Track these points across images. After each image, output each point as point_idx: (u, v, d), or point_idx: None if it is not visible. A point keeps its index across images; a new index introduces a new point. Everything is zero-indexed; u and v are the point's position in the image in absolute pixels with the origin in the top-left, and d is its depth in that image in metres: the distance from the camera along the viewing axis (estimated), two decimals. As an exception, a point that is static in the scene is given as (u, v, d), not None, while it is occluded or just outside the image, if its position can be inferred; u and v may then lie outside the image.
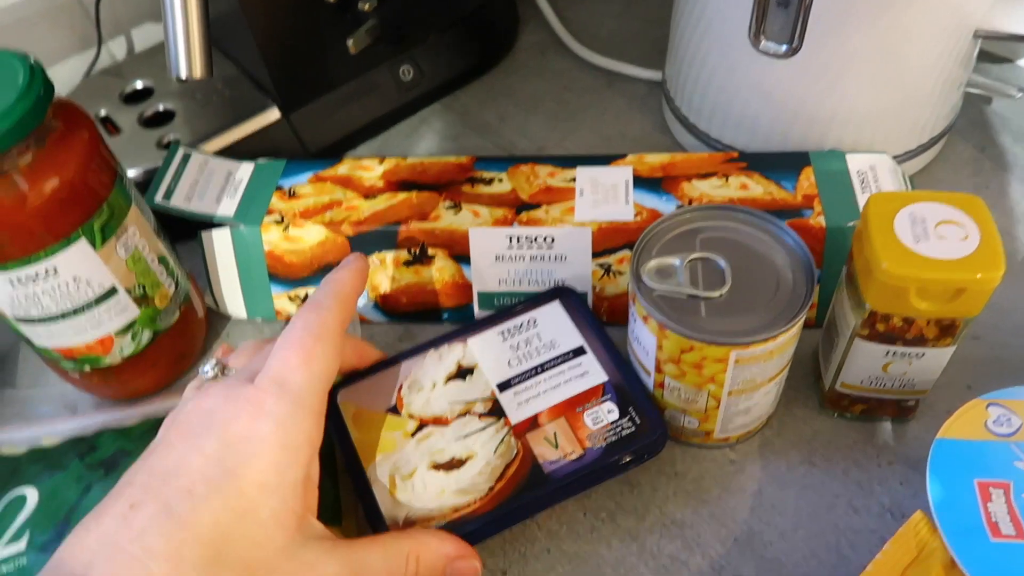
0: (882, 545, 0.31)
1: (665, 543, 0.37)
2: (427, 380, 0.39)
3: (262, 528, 0.29)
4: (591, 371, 0.38)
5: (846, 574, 0.35)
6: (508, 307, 0.42)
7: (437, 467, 0.36)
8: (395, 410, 0.38)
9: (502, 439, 0.36)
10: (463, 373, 0.39)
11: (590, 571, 0.37)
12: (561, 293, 0.42)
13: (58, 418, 0.44)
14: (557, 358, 0.39)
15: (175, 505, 0.28)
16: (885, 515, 0.37)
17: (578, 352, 0.39)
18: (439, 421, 0.37)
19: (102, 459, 0.40)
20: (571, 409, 0.37)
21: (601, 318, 0.45)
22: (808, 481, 0.38)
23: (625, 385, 0.37)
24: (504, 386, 0.38)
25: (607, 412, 0.36)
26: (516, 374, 0.38)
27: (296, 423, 0.30)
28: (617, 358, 0.38)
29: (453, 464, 0.36)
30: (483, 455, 0.36)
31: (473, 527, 0.34)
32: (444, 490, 0.35)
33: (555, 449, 0.36)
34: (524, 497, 0.34)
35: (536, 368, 0.38)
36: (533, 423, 0.37)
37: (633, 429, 0.36)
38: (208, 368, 0.34)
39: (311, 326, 0.33)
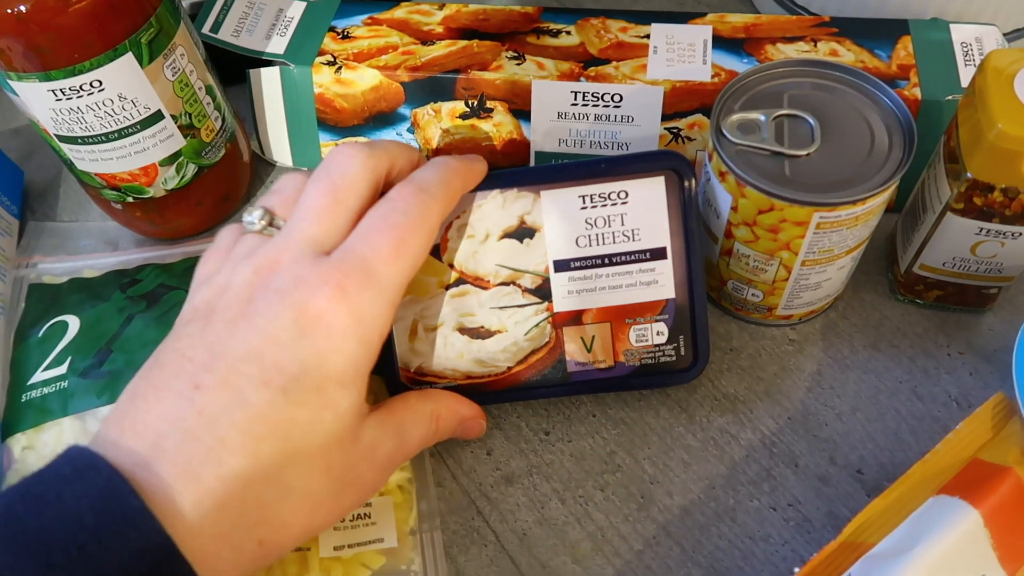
0: (945, 434, 0.30)
1: (715, 416, 0.36)
2: (481, 228, 0.34)
3: (339, 422, 0.27)
4: (661, 282, 0.33)
5: (904, 459, 0.34)
6: (606, 159, 0.33)
7: (464, 330, 0.34)
8: (437, 252, 0.34)
9: (537, 324, 0.33)
10: (523, 234, 0.34)
11: (635, 437, 0.36)
12: (673, 166, 0.33)
13: (100, 252, 0.44)
14: (632, 254, 0.33)
15: (250, 396, 0.25)
16: (951, 404, 0.35)
17: (657, 255, 0.33)
18: (479, 281, 0.34)
19: (144, 292, 0.39)
20: (621, 318, 0.33)
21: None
22: (871, 365, 0.37)
23: (689, 308, 0.33)
24: (562, 266, 0.33)
25: (656, 333, 0.33)
26: (580, 257, 0.33)
27: (376, 317, 0.27)
28: (697, 274, 0.33)
29: (481, 333, 0.34)
30: (513, 334, 0.33)
31: (478, 399, 0.33)
32: (463, 355, 0.33)
33: (587, 352, 0.33)
34: (539, 388, 0.33)
35: (604, 258, 0.33)
36: (576, 318, 0.33)
37: (674, 358, 0.33)
38: (255, 218, 0.29)
39: (412, 212, 0.28)
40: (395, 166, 0.31)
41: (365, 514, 0.33)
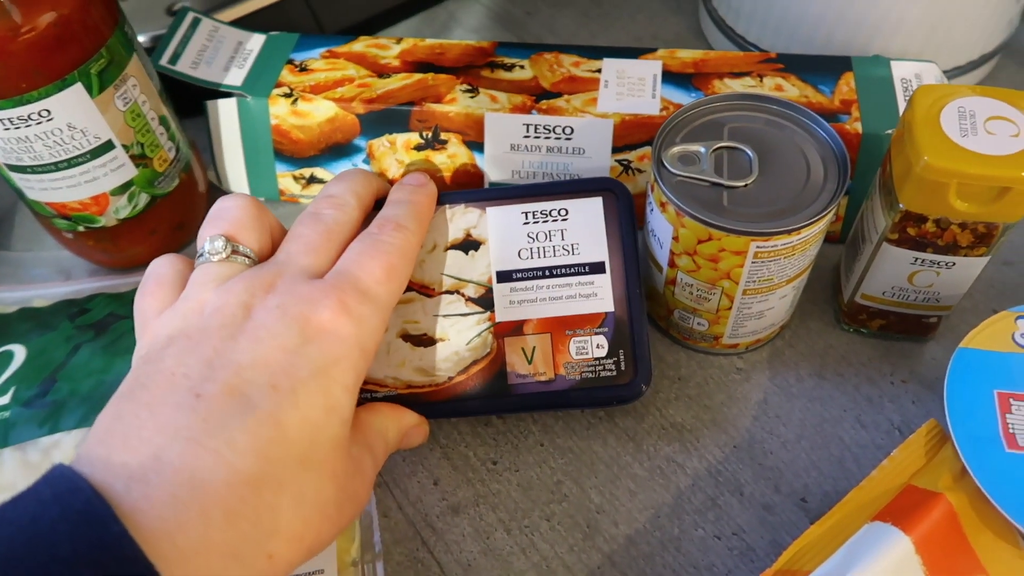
0: (887, 460, 0.30)
1: (662, 445, 0.36)
2: (429, 239, 0.36)
3: (343, 428, 0.27)
4: (600, 295, 0.34)
5: (848, 487, 0.34)
6: (545, 185, 0.36)
7: (407, 337, 0.34)
8: None
9: (479, 333, 0.34)
10: (468, 246, 0.35)
11: (582, 466, 0.36)
12: (609, 190, 0.36)
13: (51, 282, 0.43)
14: (572, 267, 0.35)
15: (258, 400, 0.25)
16: (894, 432, 0.35)
17: (596, 269, 0.35)
18: (425, 289, 0.35)
19: (93, 321, 0.39)
20: (561, 329, 0.34)
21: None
22: (816, 394, 0.37)
23: (628, 323, 0.34)
24: (504, 277, 0.35)
25: (596, 346, 0.33)
26: (522, 268, 0.35)
27: (373, 330, 0.28)
28: (635, 290, 0.34)
29: (423, 340, 0.34)
30: (455, 343, 0.34)
31: (419, 410, 0.33)
32: (406, 363, 0.34)
33: (528, 364, 0.33)
34: (479, 400, 0.33)
35: (545, 270, 0.35)
36: (517, 329, 0.34)
37: (614, 373, 0.33)
38: (218, 246, 0.29)
39: (396, 243, 0.30)
40: (371, 199, 0.34)
41: (307, 545, 0.32)
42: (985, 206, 0.30)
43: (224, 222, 0.31)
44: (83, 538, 0.20)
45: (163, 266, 0.31)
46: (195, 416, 0.24)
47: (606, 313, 0.34)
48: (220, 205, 0.31)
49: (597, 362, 0.33)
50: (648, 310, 0.39)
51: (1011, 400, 0.29)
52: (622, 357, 0.33)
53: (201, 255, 0.30)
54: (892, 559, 0.27)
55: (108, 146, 0.37)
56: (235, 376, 0.25)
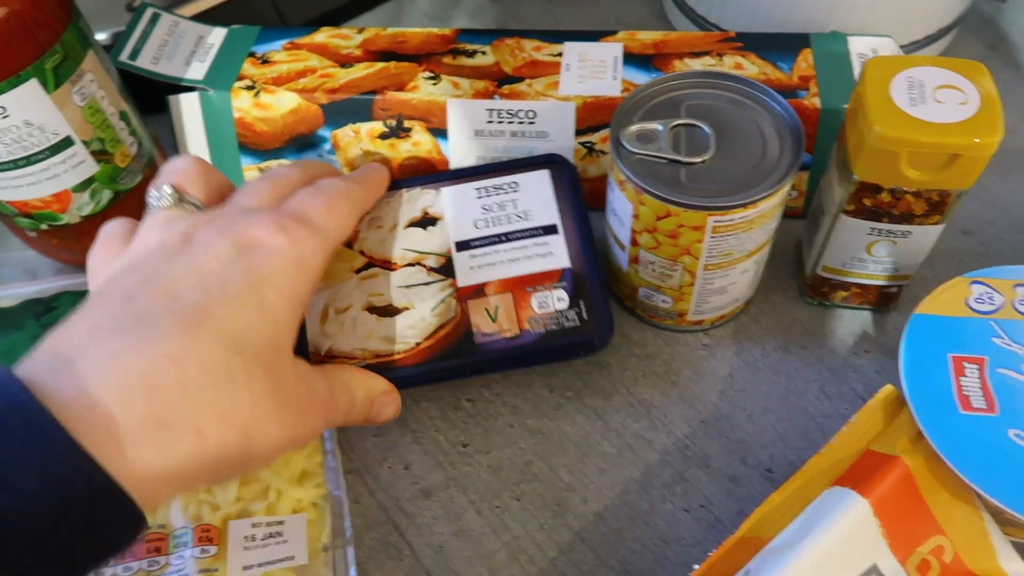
0: (850, 429, 0.30)
1: (631, 422, 0.36)
2: (389, 219, 0.37)
3: (277, 330, 0.27)
4: (556, 253, 0.35)
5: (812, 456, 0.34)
6: (495, 164, 0.39)
7: (372, 310, 0.35)
8: (349, 243, 0.36)
9: (443, 299, 0.35)
10: (426, 222, 0.37)
11: (552, 446, 0.36)
12: (554, 162, 0.38)
13: (17, 282, 0.43)
14: (525, 231, 0.36)
15: (187, 296, 0.25)
16: (857, 401, 0.36)
17: (549, 230, 0.36)
18: (387, 264, 0.36)
19: (59, 319, 0.39)
20: (521, 287, 0.35)
21: (582, 201, 0.43)
22: (782, 367, 0.37)
23: (586, 277, 0.35)
24: (463, 246, 0.36)
25: (556, 300, 0.34)
26: (478, 236, 0.36)
27: (312, 248, 0.28)
28: (588, 247, 0.35)
29: (388, 311, 0.35)
30: (420, 310, 0.35)
31: (392, 375, 0.33)
32: (372, 334, 0.34)
33: (492, 323, 0.34)
34: (447, 361, 0.34)
35: (500, 236, 0.36)
36: (479, 291, 0.35)
37: (577, 323, 0.34)
38: (165, 193, 0.30)
39: (339, 187, 0.31)
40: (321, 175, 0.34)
41: (277, 532, 0.33)
42: (936, 174, 0.30)
43: (172, 175, 0.32)
44: None
45: (112, 225, 0.31)
46: (124, 311, 0.24)
47: (563, 269, 0.35)
48: (168, 164, 0.32)
49: (560, 314, 0.34)
50: (614, 289, 0.39)
51: (964, 363, 0.29)
52: (583, 308, 0.34)
53: (148, 206, 0.31)
54: (850, 522, 0.27)
55: (67, 142, 0.37)
56: (168, 280, 0.26)
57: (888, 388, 0.30)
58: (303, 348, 0.34)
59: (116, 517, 0.22)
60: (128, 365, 0.23)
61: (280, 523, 0.33)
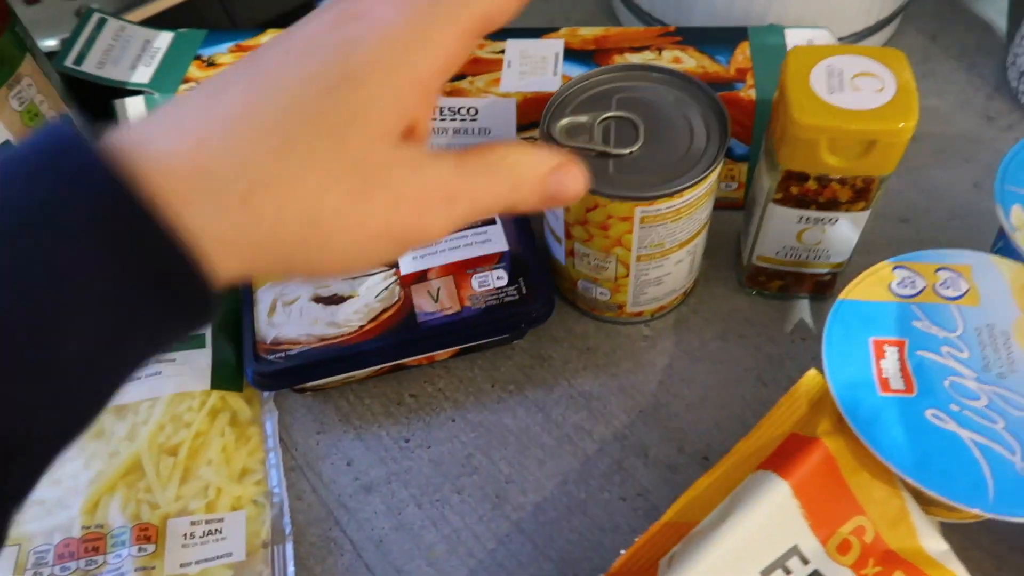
0: (784, 415, 0.31)
1: (571, 413, 0.37)
2: None
3: (369, 105, 0.22)
4: (494, 240, 0.37)
5: (749, 443, 0.35)
6: None
7: (318, 299, 0.36)
8: None
9: (387, 286, 0.36)
10: None
11: (493, 439, 0.36)
12: None
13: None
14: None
15: (267, 62, 0.21)
16: (794, 388, 0.36)
17: (488, 221, 0.38)
18: None
19: None
20: (462, 270, 0.36)
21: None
22: (720, 356, 0.38)
23: (524, 258, 0.37)
24: None
25: (496, 278, 0.36)
26: None
27: (429, 24, 0.22)
28: (526, 234, 0.38)
29: (334, 299, 0.36)
30: (364, 296, 0.36)
31: (333, 354, 0.34)
32: (318, 320, 0.35)
33: (434, 303, 0.36)
34: (389, 339, 0.35)
35: None
36: (422, 276, 0.36)
37: (517, 297, 0.35)
38: None
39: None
40: None
41: (216, 530, 0.33)
42: (856, 160, 0.31)
43: None
44: (42, 151, 0.18)
45: None
46: (209, 83, 0.21)
47: (502, 252, 0.37)
48: None
49: (499, 291, 0.36)
50: (557, 284, 0.40)
51: (885, 346, 0.29)
52: (523, 284, 0.36)
53: None
54: (771, 504, 0.27)
55: (6, 146, 0.37)
56: (258, 52, 0.22)
57: (812, 372, 0.31)
58: (251, 340, 0.35)
59: (184, 278, 0.19)
60: (183, 125, 0.20)
61: (219, 520, 0.33)
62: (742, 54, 0.41)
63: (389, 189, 0.22)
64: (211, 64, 0.44)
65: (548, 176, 0.26)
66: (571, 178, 0.26)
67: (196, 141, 0.20)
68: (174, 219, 0.19)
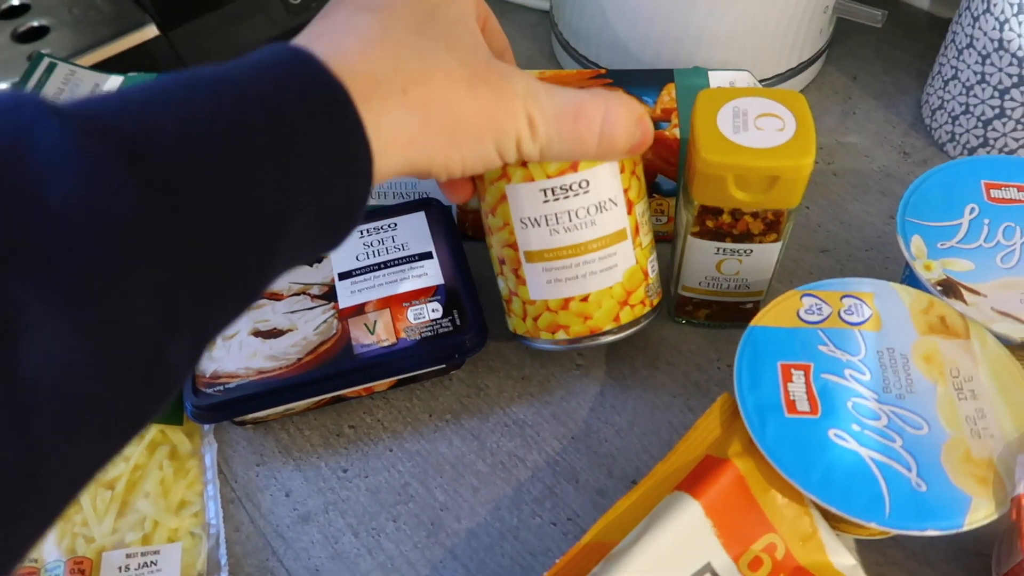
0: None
1: (505, 441, 0.38)
2: None
3: (453, 11, 0.28)
4: (430, 274, 0.39)
5: (675, 467, 0.36)
6: (375, 208, 0.42)
7: (257, 334, 0.37)
8: None
9: (325, 320, 0.37)
10: (312, 261, 0.39)
11: (429, 467, 0.37)
12: (428, 204, 0.42)
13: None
14: (403, 258, 0.39)
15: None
16: (719, 413, 0.38)
17: (424, 256, 0.39)
18: (274, 296, 0.38)
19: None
20: (398, 303, 0.38)
21: (467, 233, 0.45)
22: (649, 383, 0.39)
23: (459, 291, 0.38)
24: (345, 275, 0.39)
25: (431, 310, 0.37)
26: (360, 267, 0.39)
27: None
28: (462, 268, 0.39)
29: (272, 334, 0.37)
30: (303, 330, 0.37)
31: (271, 387, 0.35)
32: (256, 354, 0.36)
33: (371, 335, 0.37)
34: (326, 371, 0.36)
35: (380, 264, 0.39)
36: (359, 310, 0.37)
37: (451, 329, 0.37)
38: None
39: None
40: None
41: (152, 562, 0.33)
42: (761, 194, 0.33)
43: None
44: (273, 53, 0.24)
45: None
46: (348, 5, 0.28)
47: (437, 285, 0.38)
48: None
49: (434, 322, 0.37)
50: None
51: (792, 370, 0.31)
52: (457, 316, 0.37)
53: None
54: (684, 523, 0.29)
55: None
56: None
57: (725, 396, 0.32)
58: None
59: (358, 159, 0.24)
60: (341, 45, 0.25)
61: (155, 552, 0.33)
62: (668, 95, 0.44)
63: (489, 86, 0.28)
64: (159, 106, 0.45)
65: (607, 120, 0.30)
66: (623, 128, 0.31)
67: (358, 56, 0.25)
68: (362, 113, 0.24)
